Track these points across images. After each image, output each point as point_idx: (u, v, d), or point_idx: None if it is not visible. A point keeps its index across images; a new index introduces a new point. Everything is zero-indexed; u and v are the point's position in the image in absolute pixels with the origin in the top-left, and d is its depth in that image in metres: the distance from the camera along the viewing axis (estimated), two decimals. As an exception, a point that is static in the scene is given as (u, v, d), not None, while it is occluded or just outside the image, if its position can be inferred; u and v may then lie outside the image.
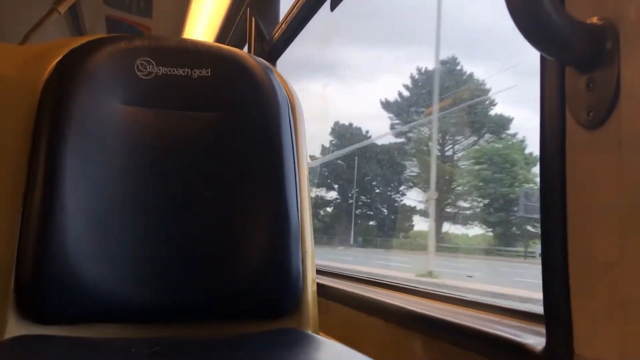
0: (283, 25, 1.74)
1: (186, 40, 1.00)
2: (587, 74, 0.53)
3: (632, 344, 0.49)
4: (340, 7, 1.43)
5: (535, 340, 0.64)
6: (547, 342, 0.61)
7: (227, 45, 1.14)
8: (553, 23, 0.50)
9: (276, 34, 1.80)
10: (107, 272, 0.82)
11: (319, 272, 1.14)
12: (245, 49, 2.03)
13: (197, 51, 0.94)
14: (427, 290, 1.04)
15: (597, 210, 0.53)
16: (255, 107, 0.93)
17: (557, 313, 0.58)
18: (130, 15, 2.61)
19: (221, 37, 2.53)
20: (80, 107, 0.84)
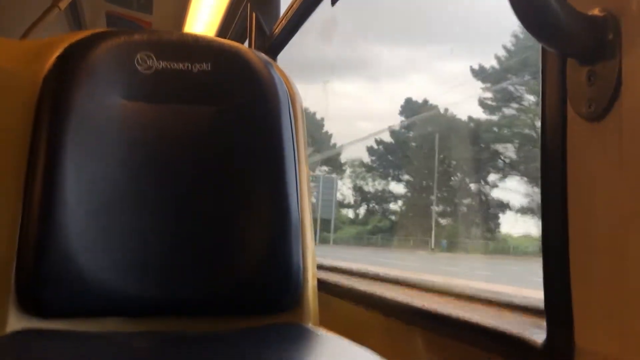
0: (283, 21, 1.74)
1: (187, 35, 1.00)
2: (589, 66, 0.53)
3: (633, 337, 0.49)
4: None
5: (537, 334, 0.64)
6: (548, 336, 0.61)
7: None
8: (554, 14, 0.49)
9: (277, 29, 1.80)
10: (108, 266, 0.82)
11: (319, 267, 1.14)
12: (246, 44, 2.02)
13: (197, 45, 0.93)
14: (426, 285, 1.04)
15: (599, 202, 0.53)
16: (255, 102, 0.93)
17: (557, 306, 0.58)
18: (131, 11, 2.61)
19: (222, 32, 2.53)
20: (80, 101, 0.84)
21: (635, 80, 0.49)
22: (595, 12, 0.52)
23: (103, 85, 0.86)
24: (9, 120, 0.85)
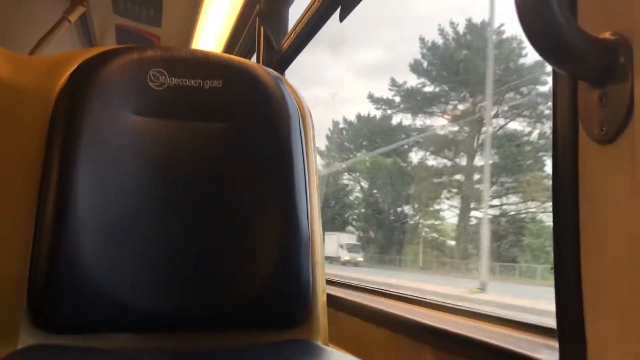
0: (292, 36, 1.75)
1: (197, 51, 1.01)
2: (600, 88, 0.53)
3: None
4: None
5: (548, 354, 0.64)
6: (561, 357, 0.61)
7: (236, 54, 1.15)
8: (566, 37, 0.50)
9: (285, 44, 1.81)
10: (119, 282, 0.82)
11: (329, 282, 1.14)
12: (254, 58, 2.03)
13: (208, 62, 0.94)
14: (436, 302, 1.04)
15: (611, 224, 0.53)
16: (265, 117, 0.93)
17: (570, 327, 0.58)
18: (140, 24, 2.63)
19: (230, 46, 2.54)
20: (93, 117, 0.84)
21: None
22: (607, 35, 0.52)
23: (116, 101, 0.87)
24: (22, 135, 0.86)
